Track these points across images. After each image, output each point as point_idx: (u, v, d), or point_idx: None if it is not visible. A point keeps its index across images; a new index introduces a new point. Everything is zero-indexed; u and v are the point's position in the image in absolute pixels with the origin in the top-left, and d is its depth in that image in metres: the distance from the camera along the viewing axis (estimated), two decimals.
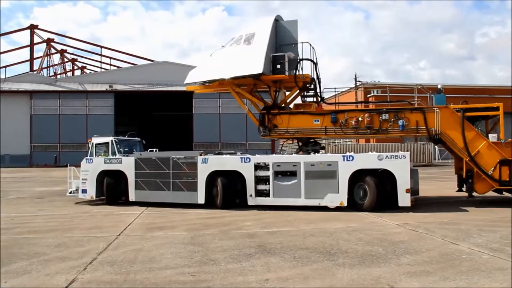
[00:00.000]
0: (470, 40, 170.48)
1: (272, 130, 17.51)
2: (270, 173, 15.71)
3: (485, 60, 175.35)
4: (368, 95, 58.05)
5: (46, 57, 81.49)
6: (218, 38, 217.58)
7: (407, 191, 14.34)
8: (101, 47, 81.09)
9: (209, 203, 16.20)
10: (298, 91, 18.19)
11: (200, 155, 16.63)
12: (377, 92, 54.37)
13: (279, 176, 15.72)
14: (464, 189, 17.07)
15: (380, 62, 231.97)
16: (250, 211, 15.37)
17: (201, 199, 16.29)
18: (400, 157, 14.65)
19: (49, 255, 9.19)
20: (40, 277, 7.64)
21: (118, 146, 19.40)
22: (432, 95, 17.13)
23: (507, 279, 7.17)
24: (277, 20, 17.81)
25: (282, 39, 17.60)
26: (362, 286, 6.97)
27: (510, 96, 50.98)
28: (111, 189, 17.93)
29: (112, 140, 19.51)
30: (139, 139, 21.23)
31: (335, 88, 19.52)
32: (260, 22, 18.22)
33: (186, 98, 62.19)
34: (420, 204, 15.78)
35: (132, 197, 17.41)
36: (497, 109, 16.15)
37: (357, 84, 61.91)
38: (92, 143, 19.84)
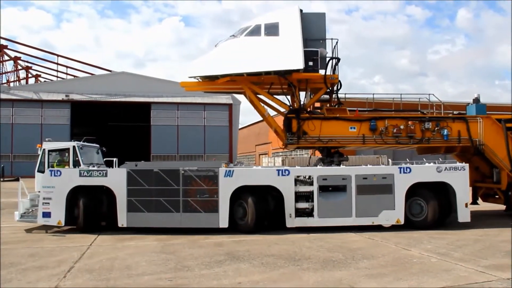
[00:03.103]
0: (422, 57, 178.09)
1: (302, 137, 15.21)
2: (314, 188, 13.62)
3: (436, 77, 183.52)
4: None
5: None
6: (174, 49, 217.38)
7: (466, 205, 13.70)
8: (57, 55, 79.40)
9: (231, 227, 13.55)
10: (324, 93, 16.00)
11: (223, 166, 13.86)
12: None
13: (324, 191, 13.77)
14: (478, 202, 17.34)
15: None
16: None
17: (223, 222, 13.36)
18: (460, 168, 13.87)
19: (25, 265, 9.49)
20: (22, 285, 7.99)
21: (81, 153, 15.86)
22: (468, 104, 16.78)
23: (451, 278, 8.18)
24: (301, 11, 15.60)
25: (307, 33, 15.30)
26: (326, 286, 7.75)
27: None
28: (90, 212, 13.83)
29: (74, 146, 15.82)
30: (98, 145, 18.05)
31: (349, 93, 17.21)
32: (282, 12, 15.92)
33: (144, 109, 62.13)
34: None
35: (122, 221, 13.56)
36: None
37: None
38: (43, 150, 15.77)
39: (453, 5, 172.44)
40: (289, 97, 16.28)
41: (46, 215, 13.70)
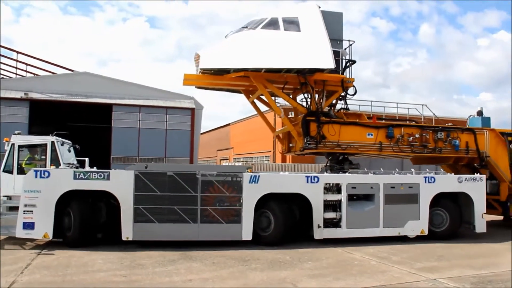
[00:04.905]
0: (385, 69, 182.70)
1: (320, 142, 14.34)
2: (342, 196, 13.00)
3: (398, 89, 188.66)
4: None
5: None
6: (139, 49, 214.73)
7: (482, 216, 13.89)
8: (17, 52, 77.68)
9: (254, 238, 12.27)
10: (339, 97, 15.39)
11: (248, 170, 12.65)
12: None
13: (351, 200, 13.23)
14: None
15: None
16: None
17: (247, 234, 12.07)
18: (478, 179, 14.04)
19: None
20: None
21: (61, 150, 13.54)
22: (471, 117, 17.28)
23: (385, 279, 9.00)
24: (319, 7, 14.75)
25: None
26: (270, 285, 8.41)
27: None
28: (86, 223, 11.68)
29: (53, 141, 13.40)
30: (70, 142, 15.26)
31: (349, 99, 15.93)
32: (300, 7, 14.95)
33: (105, 110, 61.69)
34: None
35: (128, 233, 11.53)
36: None
37: None
38: (12, 145, 13.25)
39: (416, 19, 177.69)
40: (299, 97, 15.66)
41: (28, 226, 11.26)
